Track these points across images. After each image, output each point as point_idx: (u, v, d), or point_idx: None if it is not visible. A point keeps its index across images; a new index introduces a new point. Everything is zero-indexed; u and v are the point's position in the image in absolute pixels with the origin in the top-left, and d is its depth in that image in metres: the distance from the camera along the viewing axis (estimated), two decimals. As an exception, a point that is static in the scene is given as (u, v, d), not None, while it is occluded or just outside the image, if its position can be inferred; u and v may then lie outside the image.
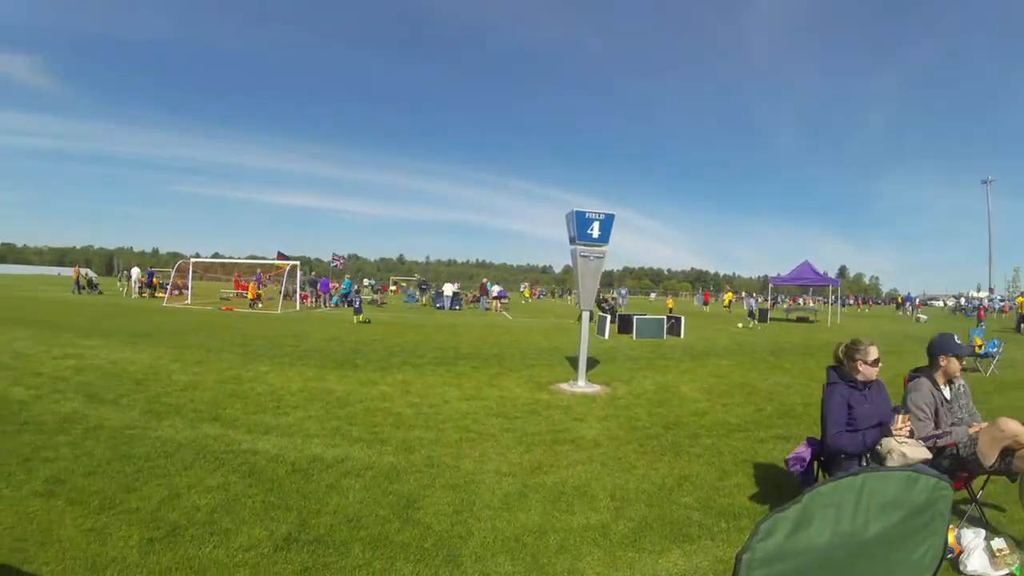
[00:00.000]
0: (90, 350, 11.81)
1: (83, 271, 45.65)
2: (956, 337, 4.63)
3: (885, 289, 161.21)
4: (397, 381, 9.85)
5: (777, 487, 5.22)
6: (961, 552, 3.73)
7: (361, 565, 3.59)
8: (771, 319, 33.56)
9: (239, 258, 48.03)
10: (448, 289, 38.07)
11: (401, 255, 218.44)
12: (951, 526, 3.27)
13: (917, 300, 60.18)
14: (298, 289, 32.23)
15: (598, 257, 10.03)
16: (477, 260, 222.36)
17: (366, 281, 63.65)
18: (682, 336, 20.85)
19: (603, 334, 20.10)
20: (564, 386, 9.93)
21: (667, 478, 5.41)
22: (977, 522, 4.30)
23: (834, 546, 1.96)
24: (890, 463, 3.69)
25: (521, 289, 79.68)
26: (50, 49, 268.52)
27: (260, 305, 28.94)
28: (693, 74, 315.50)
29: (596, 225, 9.79)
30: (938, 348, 4.60)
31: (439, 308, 35.50)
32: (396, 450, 6.01)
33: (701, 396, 9.47)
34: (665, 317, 21.63)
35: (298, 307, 30.61)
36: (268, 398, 8.14)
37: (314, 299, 35.00)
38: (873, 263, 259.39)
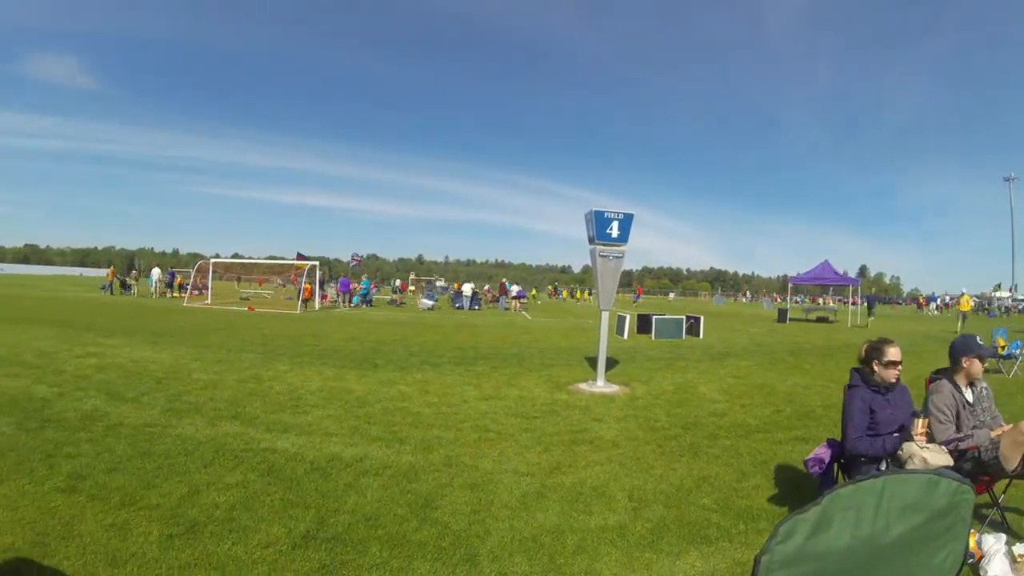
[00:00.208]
0: (112, 349, 11.96)
1: (102, 272, 46.03)
2: (978, 338, 4.57)
3: (906, 288, 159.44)
4: (416, 381, 9.88)
5: (796, 489, 5.17)
6: (982, 557, 3.67)
7: (378, 564, 3.61)
8: (790, 319, 33.25)
9: (258, 258, 48.45)
10: (467, 289, 38.13)
11: (420, 255, 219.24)
12: (971, 531, 3.23)
13: (939, 300, 59.55)
14: (317, 289, 32.41)
15: (617, 257, 10.00)
16: (496, 260, 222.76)
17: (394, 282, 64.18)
18: (701, 336, 20.73)
19: (622, 334, 20.04)
20: (583, 386, 9.91)
21: (685, 479, 5.38)
22: (998, 527, 4.24)
23: (854, 549, 1.93)
24: (910, 468, 3.65)
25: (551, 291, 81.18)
26: (77, 51, 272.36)
27: (323, 303, 29.45)
28: (712, 70, 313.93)
29: (615, 225, 9.76)
30: (960, 350, 4.53)
31: (458, 308, 35.59)
32: (415, 449, 6.03)
33: (720, 397, 9.41)
34: (684, 317, 21.51)
35: (317, 307, 30.79)
36: (287, 397, 8.19)
37: (343, 300, 35.16)
38: (894, 262, 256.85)
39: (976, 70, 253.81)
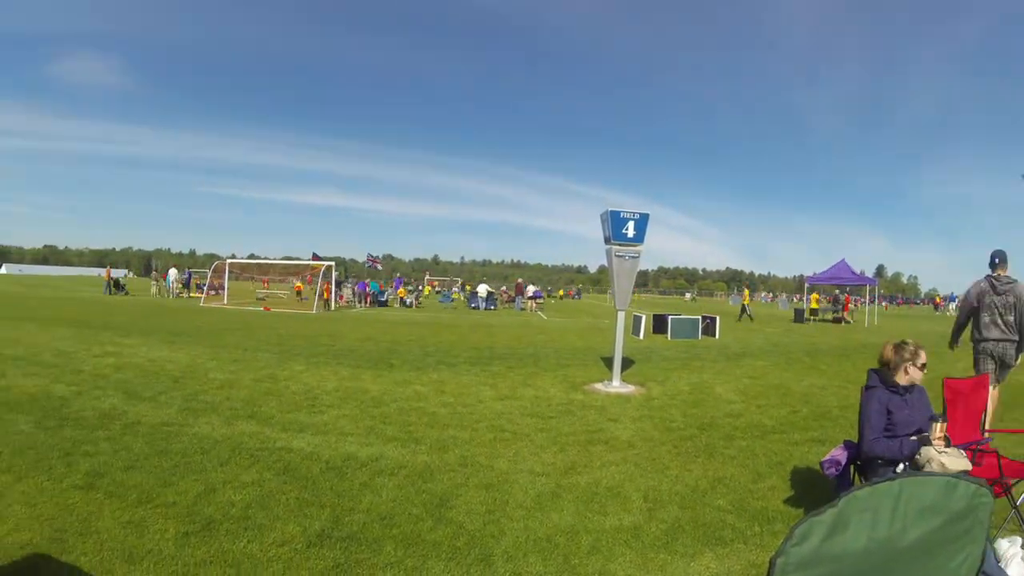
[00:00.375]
0: (129, 349, 12.08)
1: (113, 273, 46.38)
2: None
3: (924, 288, 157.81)
4: (432, 381, 9.90)
5: (812, 491, 5.13)
6: (998, 561, 3.62)
7: (393, 563, 3.62)
8: (807, 319, 32.99)
9: (274, 259, 48.72)
10: (483, 289, 38.17)
11: (436, 255, 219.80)
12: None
13: (957, 300, 58.80)
14: (334, 289, 32.57)
15: (633, 257, 9.99)
16: (512, 260, 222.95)
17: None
18: (717, 336, 20.63)
19: (638, 334, 19.98)
20: (599, 386, 9.89)
21: (701, 480, 5.36)
22: (1016, 531, 4.19)
23: (870, 552, 1.91)
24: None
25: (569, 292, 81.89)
26: (99, 53, 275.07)
27: (338, 304, 29.67)
28: (729, 68, 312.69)
29: (631, 225, 9.75)
30: None
31: (474, 308, 35.63)
32: (430, 449, 6.04)
33: (736, 397, 9.36)
34: (700, 317, 21.41)
35: (333, 307, 30.93)
36: (303, 397, 8.24)
37: (361, 300, 35.31)
38: (912, 262, 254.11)
39: (1001, 63, 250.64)
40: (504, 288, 47.25)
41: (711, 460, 5.98)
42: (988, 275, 6.89)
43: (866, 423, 3.97)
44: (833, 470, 4.16)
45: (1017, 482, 4.12)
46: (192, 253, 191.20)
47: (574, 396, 9.08)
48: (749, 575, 3.65)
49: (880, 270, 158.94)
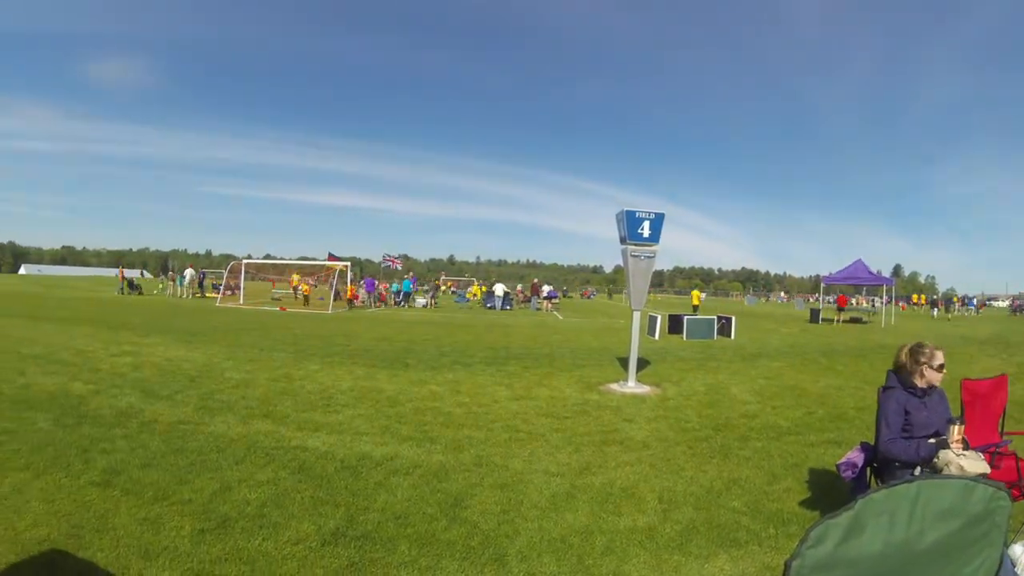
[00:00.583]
0: (146, 348, 12.20)
1: (127, 273, 46.75)
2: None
3: (942, 288, 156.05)
4: (447, 380, 9.91)
5: (828, 493, 5.09)
6: (1014, 567, 3.58)
7: (407, 562, 3.63)
8: (822, 319, 32.74)
9: (290, 259, 48.94)
10: (499, 289, 38.18)
11: (451, 255, 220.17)
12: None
13: (976, 300, 58.13)
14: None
15: (648, 257, 9.96)
16: (528, 260, 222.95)
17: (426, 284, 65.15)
18: (733, 337, 20.50)
19: (653, 334, 19.92)
20: (614, 386, 9.87)
21: (716, 481, 5.33)
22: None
23: (887, 555, 1.90)
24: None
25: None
26: (116, 56, 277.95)
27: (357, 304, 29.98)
28: (743, 66, 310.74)
29: (646, 225, 9.72)
30: None
31: (490, 308, 35.65)
32: (445, 449, 6.05)
33: (751, 398, 9.31)
34: (715, 318, 21.28)
35: (348, 307, 31.06)
36: (318, 396, 8.27)
37: (372, 300, 35.48)
38: (931, 261, 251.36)
39: (1019, 58, 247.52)
40: (520, 288, 47.19)
41: (726, 461, 5.95)
42: None
43: (883, 423, 3.92)
44: (849, 472, 4.12)
45: (1037, 485, 4.06)
46: (208, 253, 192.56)
47: (589, 396, 9.06)
48: (764, 577, 3.63)
49: (897, 270, 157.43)
